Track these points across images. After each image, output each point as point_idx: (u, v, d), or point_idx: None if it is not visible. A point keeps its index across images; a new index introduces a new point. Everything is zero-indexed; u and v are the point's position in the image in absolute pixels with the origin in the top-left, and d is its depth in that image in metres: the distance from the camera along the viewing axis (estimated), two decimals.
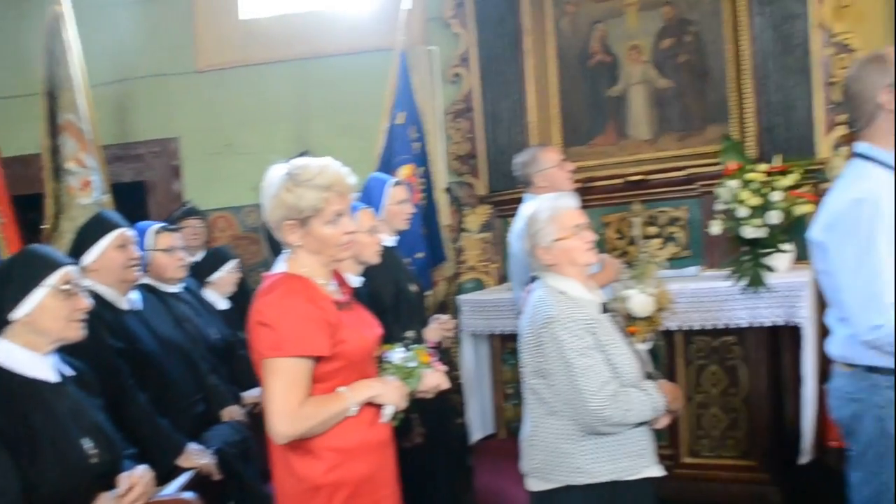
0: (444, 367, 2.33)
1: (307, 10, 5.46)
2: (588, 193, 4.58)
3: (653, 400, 2.35)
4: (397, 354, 2.25)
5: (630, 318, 2.79)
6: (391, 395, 2.12)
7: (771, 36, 4.30)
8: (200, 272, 3.92)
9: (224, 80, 5.51)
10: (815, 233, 2.25)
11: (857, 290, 2.10)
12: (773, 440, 3.84)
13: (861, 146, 2.22)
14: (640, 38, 4.77)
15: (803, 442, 3.64)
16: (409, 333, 2.79)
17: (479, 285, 4.91)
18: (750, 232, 3.79)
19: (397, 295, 3.16)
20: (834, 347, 2.30)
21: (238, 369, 3.44)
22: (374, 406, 2.11)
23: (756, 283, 3.66)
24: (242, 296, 3.78)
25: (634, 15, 4.79)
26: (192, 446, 2.74)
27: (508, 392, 4.41)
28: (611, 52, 4.84)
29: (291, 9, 5.51)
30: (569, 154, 4.60)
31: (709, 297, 3.77)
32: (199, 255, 4.26)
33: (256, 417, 3.01)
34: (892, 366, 2.11)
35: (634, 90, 4.78)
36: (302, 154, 3.38)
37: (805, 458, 3.63)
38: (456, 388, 4.44)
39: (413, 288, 3.32)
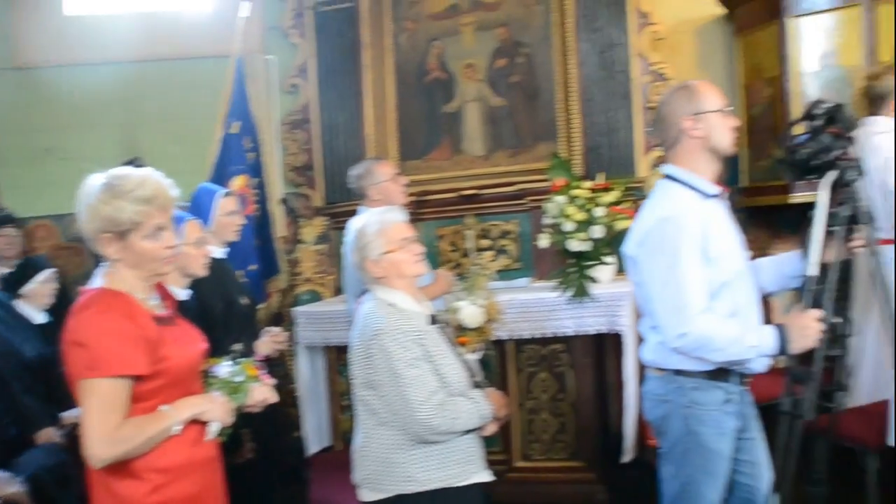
0: (272, 381, 2.30)
1: (139, 11, 5.25)
2: (423, 207, 4.68)
3: (480, 408, 2.42)
4: (224, 369, 2.20)
5: (461, 329, 2.86)
6: (216, 411, 2.08)
7: (596, 62, 4.58)
8: (12, 284, 3.66)
9: (46, 78, 5.19)
10: (628, 248, 2.40)
11: (665, 300, 2.25)
12: (598, 441, 4.04)
13: (668, 168, 2.40)
14: (476, 57, 4.92)
15: (625, 442, 3.86)
16: (237, 347, 2.73)
17: (315, 297, 4.88)
18: (575, 245, 3.96)
19: (227, 308, 3.09)
20: (646, 353, 2.46)
21: (57, 388, 3.24)
22: (199, 423, 2.06)
23: (581, 293, 3.85)
24: (64, 309, 3.56)
25: (471, 34, 4.93)
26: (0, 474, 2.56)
27: (345, 404, 4.39)
28: (447, 69, 4.96)
29: (122, 8, 5.27)
30: (405, 168, 4.69)
31: (538, 308, 3.93)
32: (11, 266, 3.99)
33: (76, 439, 2.84)
34: (697, 369, 2.30)
35: (469, 107, 4.91)
36: (131, 161, 3.26)
37: (627, 456, 3.86)
38: (292, 401, 4.38)
39: (244, 301, 3.26)
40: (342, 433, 4.40)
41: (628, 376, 3.82)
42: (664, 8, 4.77)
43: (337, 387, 4.44)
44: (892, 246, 3.53)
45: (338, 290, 4.79)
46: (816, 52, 4.39)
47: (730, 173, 4.90)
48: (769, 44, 4.54)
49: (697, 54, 5.07)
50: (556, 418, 4.08)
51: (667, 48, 4.73)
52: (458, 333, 2.84)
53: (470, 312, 2.87)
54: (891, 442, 3.04)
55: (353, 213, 3.71)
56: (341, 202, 4.70)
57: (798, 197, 4.12)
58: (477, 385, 2.55)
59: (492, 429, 2.52)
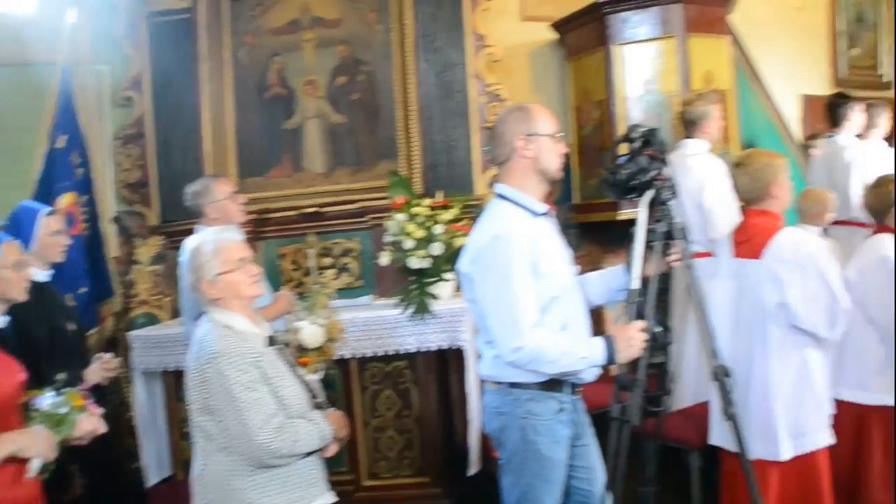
0: (100, 410, 2.19)
1: None
2: (264, 225, 4.60)
3: (320, 429, 2.40)
4: (46, 400, 2.08)
5: (302, 350, 2.84)
6: (38, 446, 1.95)
7: (434, 82, 4.68)
8: None
9: None
10: (462, 265, 2.46)
11: (499, 316, 2.32)
12: (444, 456, 4.10)
13: (500, 187, 2.49)
14: (317, 73, 4.88)
15: (470, 455, 3.92)
16: (61, 376, 2.57)
17: (151, 320, 4.66)
18: (415, 262, 4.00)
19: (52, 334, 2.91)
20: (483, 368, 2.52)
21: None
22: (18, 461, 1.92)
23: (422, 310, 3.90)
24: None
25: (311, 51, 4.89)
26: None
27: (185, 431, 4.18)
28: (288, 85, 4.89)
29: None
30: (244, 185, 4.59)
31: (380, 325, 3.95)
32: None
33: None
34: (531, 381, 2.38)
35: (310, 124, 4.87)
36: None
37: (473, 469, 3.91)
38: (129, 430, 4.17)
39: (71, 326, 3.09)
40: (183, 462, 4.23)
41: (471, 390, 3.89)
42: (500, 31, 4.94)
43: (177, 413, 4.25)
44: (707, 259, 3.81)
45: (175, 313, 4.60)
46: (639, 79, 4.70)
47: (563, 191, 5.15)
48: (597, 69, 4.82)
49: (531, 77, 5.30)
50: (401, 435, 4.10)
51: (503, 70, 4.90)
52: (299, 354, 2.82)
53: (311, 332, 2.85)
54: (711, 440, 3.24)
55: (189, 232, 3.59)
56: (177, 221, 4.52)
57: (625, 214, 4.39)
58: (318, 406, 2.53)
59: (333, 450, 2.51)
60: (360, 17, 4.84)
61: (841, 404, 3.28)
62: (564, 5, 5.27)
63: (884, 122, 5.16)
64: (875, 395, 3.32)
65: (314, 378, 2.78)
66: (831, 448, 3.07)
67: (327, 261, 4.61)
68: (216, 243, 2.42)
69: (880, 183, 3.48)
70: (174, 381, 4.21)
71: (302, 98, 4.88)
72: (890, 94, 7.65)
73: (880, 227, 3.43)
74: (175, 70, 4.75)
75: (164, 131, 4.77)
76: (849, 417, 3.33)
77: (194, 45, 4.73)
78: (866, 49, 7.93)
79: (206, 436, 2.36)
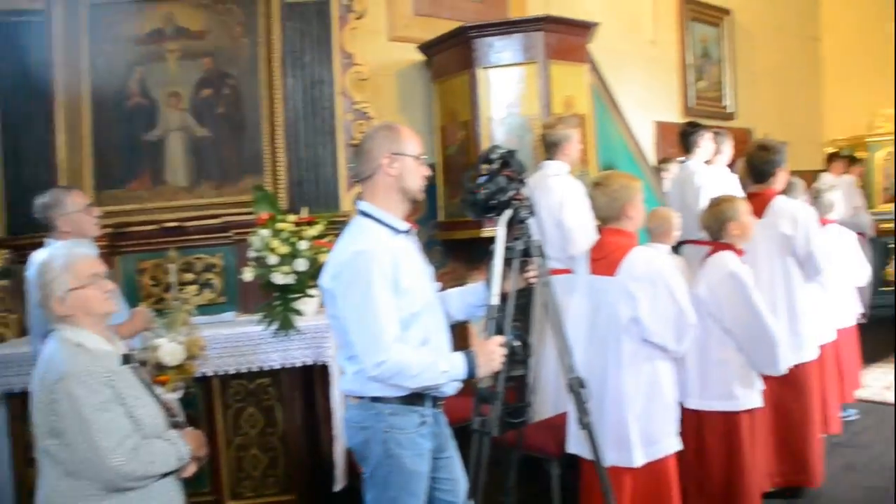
0: None
1: None
2: (123, 239, 4.43)
3: (177, 449, 2.34)
4: None
5: (160, 368, 2.76)
6: None
7: (302, 98, 4.66)
8: None
9: None
10: (325, 281, 2.47)
11: (361, 331, 2.34)
12: (309, 473, 4.06)
13: (362, 205, 2.52)
14: (180, 85, 4.74)
15: (336, 470, 3.91)
16: None
17: None
18: (280, 278, 3.97)
19: None
20: (345, 383, 2.53)
21: None
22: None
23: (286, 326, 3.87)
24: None
25: (175, 62, 4.76)
26: None
27: (32, 457, 3.98)
28: (150, 96, 4.73)
29: None
30: (101, 198, 4.42)
31: (243, 342, 3.89)
32: None
33: None
34: (393, 395, 2.41)
35: (173, 136, 4.72)
36: None
37: (338, 485, 3.90)
38: None
39: None
40: (29, 490, 3.99)
41: (336, 406, 3.89)
42: (368, 50, 4.99)
43: (22, 439, 4.01)
44: (565, 275, 3.97)
45: (23, 331, 4.34)
46: (502, 101, 4.87)
47: (428, 209, 5.24)
48: (462, 91, 4.96)
49: (398, 96, 5.39)
50: (265, 453, 4.04)
51: (370, 89, 4.94)
52: (157, 372, 2.74)
53: (170, 350, 2.78)
54: (569, 449, 3.37)
55: (39, 246, 3.42)
56: (27, 234, 4.27)
57: (489, 231, 4.52)
58: (176, 425, 2.47)
59: (191, 469, 2.45)
60: (227, 30, 4.75)
61: (709, 414, 3.53)
62: (432, 28, 5.41)
63: (727, 150, 5.55)
64: (740, 401, 3.55)
65: (173, 397, 2.71)
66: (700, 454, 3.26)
67: (189, 276, 4.48)
68: (67, 257, 2.33)
69: (715, 203, 3.74)
70: (20, 405, 3.97)
71: (164, 110, 4.73)
72: (733, 123, 8.25)
73: (719, 245, 3.68)
74: (27, 75, 4.49)
75: (12, 140, 4.49)
76: (718, 425, 3.55)
77: (49, 50, 4.49)
78: (712, 82, 8.55)
79: (53, 460, 2.25)
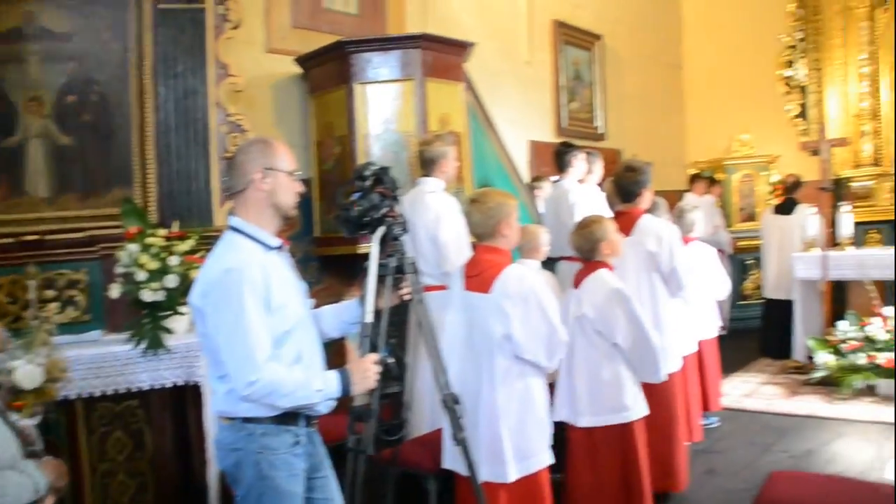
0: None
1: None
2: None
3: (34, 480, 2.21)
4: None
5: (16, 392, 2.61)
6: None
7: (174, 107, 4.50)
8: None
9: None
10: (194, 298, 2.40)
11: (233, 350, 2.29)
12: (181, 498, 3.92)
13: (233, 220, 2.48)
14: (42, 90, 4.47)
15: (210, 493, 3.80)
16: None
17: None
18: (149, 295, 3.82)
19: None
20: (216, 404, 2.47)
21: None
22: None
23: (156, 345, 3.73)
24: None
25: (37, 65, 4.49)
26: None
27: None
28: (7, 99, 4.44)
29: None
30: None
31: (110, 362, 3.72)
32: None
33: None
34: (265, 415, 2.37)
35: (33, 144, 4.44)
36: None
37: None
38: None
39: None
40: None
41: (209, 427, 3.78)
42: (243, 62, 4.90)
43: None
44: (440, 292, 4.01)
45: None
46: (379, 117, 4.89)
47: (304, 224, 5.19)
48: (339, 106, 4.94)
49: (274, 109, 5.31)
50: (133, 479, 3.88)
51: (245, 101, 4.85)
52: (12, 397, 2.59)
53: (27, 372, 2.64)
54: (444, 465, 3.39)
55: None
56: None
57: (364, 248, 4.49)
58: (33, 454, 2.34)
59: (50, 502, 2.32)
60: (94, 34, 4.51)
61: (604, 429, 3.66)
62: (309, 41, 5.37)
63: (598, 169, 5.78)
64: (633, 411, 3.69)
65: (30, 423, 2.56)
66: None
67: (50, 293, 4.24)
68: None
69: (584, 225, 3.87)
70: None
71: (24, 115, 4.46)
72: (603, 144, 8.60)
73: (594, 264, 3.80)
74: None
75: None
76: (613, 438, 3.68)
77: None
78: (584, 104, 8.89)
79: None
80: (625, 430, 3.67)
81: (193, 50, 4.57)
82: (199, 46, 4.58)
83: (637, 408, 3.70)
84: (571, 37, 8.59)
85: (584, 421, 3.69)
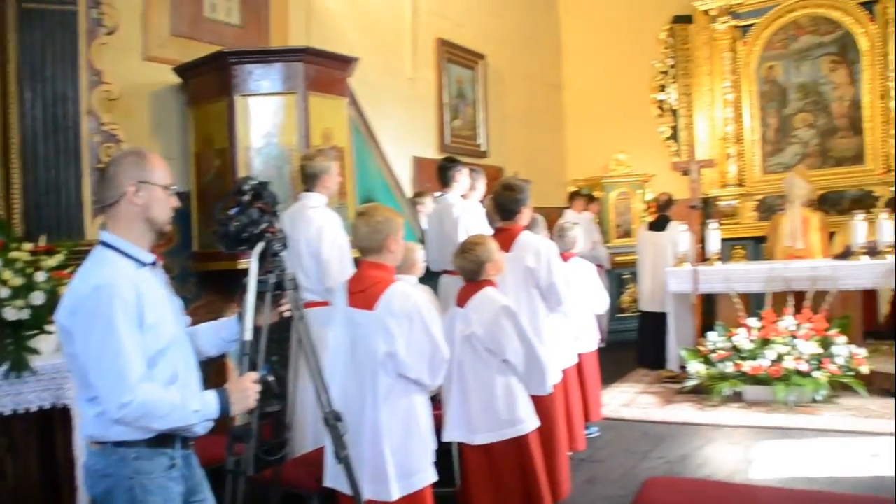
0: None
1: None
2: None
3: None
4: None
5: None
6: None
7: (42, 114, 4.26)
8: None
9: None
10: (61, 317, 2.28)
11: (103, 371, 2.18)
12: None
13: (105, 235, 2.37)
14: None
15: None
16: None
17: None
18: (12, 313, 3.59)
19: None
20: (85, 427, 2.34)
21: None
22: None
23: (20, 367, 3.51)
24: None
25: None
26: None
27: None
28: None
29: None
30: None
31: None
32: None
33: None
34: (138, 438, 2.26)
35: None
36: None
37: None
38: None
39: None
40: None
41: (79, 453, 3.59)
42: (119, 69, 4.73)
43: None
44: (323, 308, 3.98)
45: None
46: (261, 130, 4.81)
47: (182, 239, 5.03)
48: (219, 117, 4.83)
49: (152, 119, 5.14)
50: None
51: (120, 109, 4.68)
52: None
53: None
54: (326, 483, 3.33)
55: None
56: None
57: (245, 263, 4.38)
58: None
59: None
60: None
61: (500, 444, 3.67)
62: (189, 50, 5.24)
63: (481, 186, 5.89)
64: (528, 423, 3.72)
65: None
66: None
67: None
68: None
69: (467, 248, 3.88)
70: None
71: None
72: (486, 161, 8.77)
73: (479, 283, 3.84)
74: None
75: None
76: (510, 453, 3.69)
77: None
78: (467, 121, 9.04)
79: None
80: (521, 442, 3.72)
81: (64, 55, 4.36)
82: (70, 51, 4.38)
83: (531, 419, 3.76)
84: (455, 55, 8.72)
85: (481, 438, 3.71)
